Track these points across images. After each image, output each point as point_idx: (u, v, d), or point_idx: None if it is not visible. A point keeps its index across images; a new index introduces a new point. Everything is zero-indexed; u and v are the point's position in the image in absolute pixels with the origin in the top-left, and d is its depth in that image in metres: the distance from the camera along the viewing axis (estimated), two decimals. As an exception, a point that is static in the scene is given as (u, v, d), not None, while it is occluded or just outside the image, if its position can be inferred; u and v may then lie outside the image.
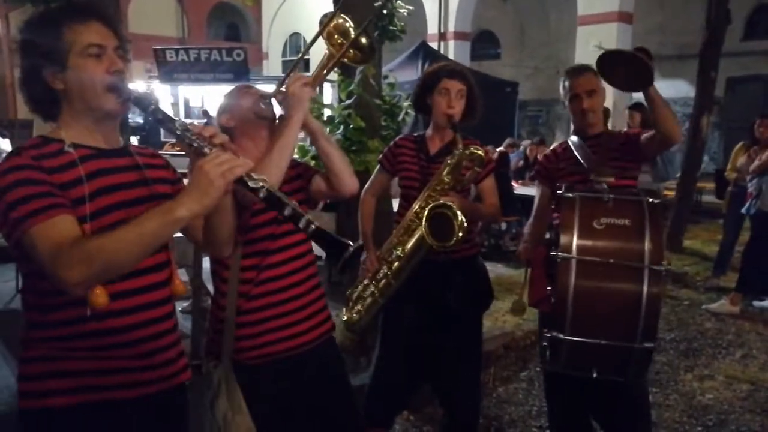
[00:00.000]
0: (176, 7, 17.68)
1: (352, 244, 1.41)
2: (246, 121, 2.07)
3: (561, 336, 2.02)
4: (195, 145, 1.40)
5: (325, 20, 2.18)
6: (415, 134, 2.85)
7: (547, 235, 2.42)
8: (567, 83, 2.55)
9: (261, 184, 1.39)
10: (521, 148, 9.98)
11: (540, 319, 2.54)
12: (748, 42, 13.25)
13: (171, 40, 15.83)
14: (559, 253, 2.03)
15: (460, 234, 2.31)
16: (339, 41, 2.15)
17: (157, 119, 1.44)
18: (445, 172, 2.49)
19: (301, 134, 3.15)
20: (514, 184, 8.38)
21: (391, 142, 2.92)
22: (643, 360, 2.06)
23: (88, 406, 1.45)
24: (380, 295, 2.58)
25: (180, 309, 4.29)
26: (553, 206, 2.55)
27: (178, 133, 1.41)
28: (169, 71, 10.22)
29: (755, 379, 3.95)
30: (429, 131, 2.76)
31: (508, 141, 9.18)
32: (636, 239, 2.03)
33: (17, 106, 15.99)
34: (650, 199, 2.12)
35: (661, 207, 2.12)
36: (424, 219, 2.38)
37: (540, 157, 9.33)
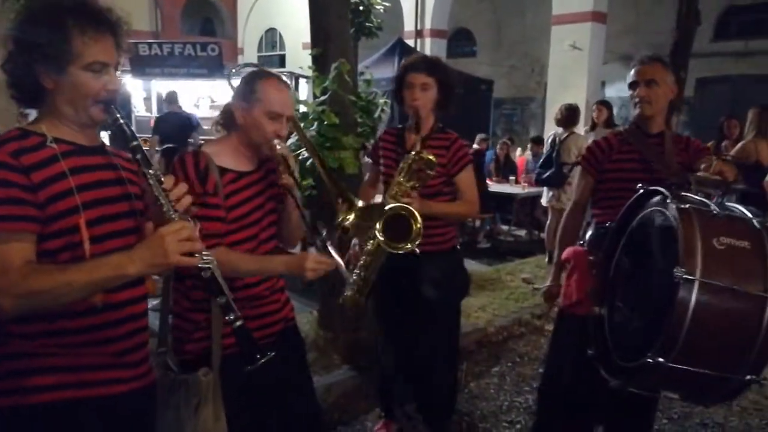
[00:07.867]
0: (150, 1, 17.39)
1: (268, 354, 1.52)
2: (252, 133, 1.98)
3: (662, 361, 1.77)
4: (161, 201, 1.39)
5: None
6: (399, 126, 2.91)
7: (587, 236, 2.36)
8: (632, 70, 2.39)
9: (209, 265, 1.44)
10: (498, 145, 10.05)
11: (572, 328, 2.37)
12: (718, 43, 13.49)
13: (144, 33, 15.55)
14: (685, 275, 1.73)
15: (417, 241, 2.37)
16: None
17: (135, 156, 1.43)
18: (401, 176, 2.53)
19: (292, 139, 3.14)
20: (488, 181, 8.44)
21: (378, 135, 3.01)
22: (739, 390, 1.91)
23: (65, 404, 1.41)
24: (364, 285, 2.60)
25: (150, 307, 4.21)
26: (593, 200, 2.50)
27: (150, 182, 1.40)
28: (141, 65, 10.07)
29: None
30: (409, 123, 2.81)
31: (481, 137, 9.23)
32: (758, 265, 1.80)
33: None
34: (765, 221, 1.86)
35: None
36: (380, 225, 2.40)
37: (519, 155, 9.42)
